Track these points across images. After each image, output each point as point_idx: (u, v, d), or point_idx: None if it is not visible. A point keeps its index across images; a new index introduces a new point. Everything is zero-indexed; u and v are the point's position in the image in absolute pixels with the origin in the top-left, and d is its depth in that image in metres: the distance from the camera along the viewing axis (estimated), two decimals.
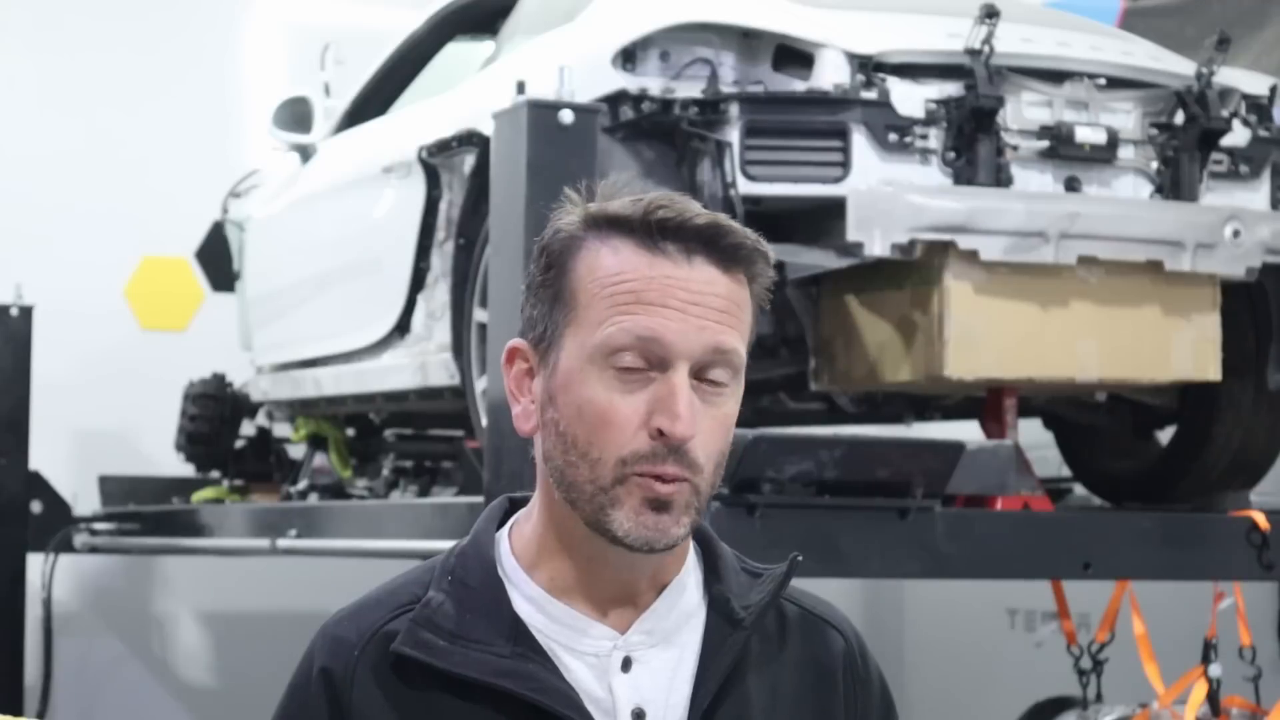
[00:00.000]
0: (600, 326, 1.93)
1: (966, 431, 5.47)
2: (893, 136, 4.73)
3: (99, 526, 7.45)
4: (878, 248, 4.67)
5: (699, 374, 1.94)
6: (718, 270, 1.95)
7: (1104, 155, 4.89)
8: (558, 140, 4.46)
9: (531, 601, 2.00)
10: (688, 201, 1.96)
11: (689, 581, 2.04)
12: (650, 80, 4.82)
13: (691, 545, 2.07)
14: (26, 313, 7.23)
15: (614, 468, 1.93)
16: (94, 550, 7.54)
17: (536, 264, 2.00)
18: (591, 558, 1.98)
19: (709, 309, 1.93)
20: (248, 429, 7.38)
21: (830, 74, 4.76)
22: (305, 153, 6.74)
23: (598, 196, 1.99)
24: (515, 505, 2.09)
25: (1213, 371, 5.05)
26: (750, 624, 2.03)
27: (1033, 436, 5.67)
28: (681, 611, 2.02)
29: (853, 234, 4.67)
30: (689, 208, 1.95)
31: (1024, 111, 4.87)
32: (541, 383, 1.99)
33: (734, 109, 4.71)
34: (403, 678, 1.98)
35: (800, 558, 2.07)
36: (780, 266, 4.74)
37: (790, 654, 2.07)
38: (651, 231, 1.94)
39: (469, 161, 5.38)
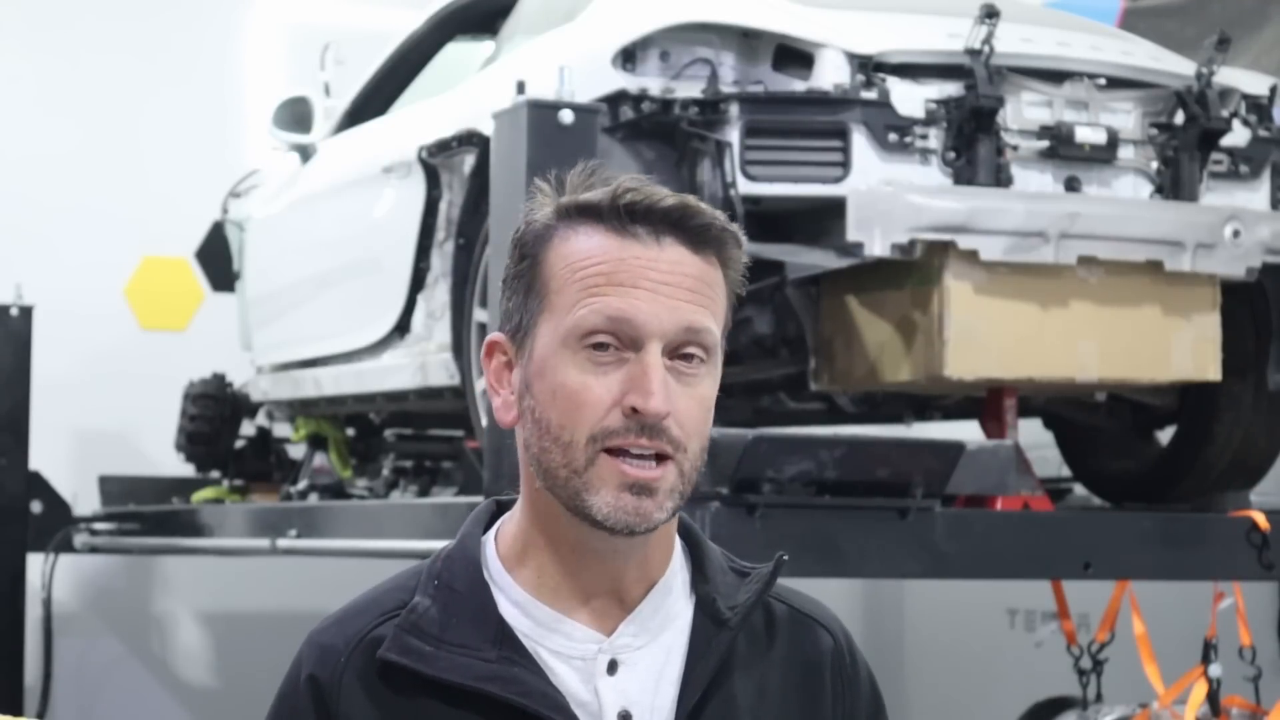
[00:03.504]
0: (572, 310, 1.95)
1: (966, 431, 5.46)
2: (893, 136, 4.73)
3: (99, 526, 7.45)
4: (878, 248, 4.67)
5: (673, 353, 1.95)
6: (687, 250, 1.97)
7: (1104, 155, 4.89)
8: (558, 140, 4.46)
9: (517, 605, 2.00)
10: (655, 186, 1.99)
11: (675, 583, 2.04)
12: (650, 80, 4.81)
13: (679, 545, 2.07)
14: (26, 313, 7.23)
15: (585, 447, 1.93)
16: (94, 550, 7.54)
17: (511, 257, 2.02)
18: (576, 547, 1.99)
19: (680, 289, 1.95)
20: (248, 429, 7.38)
21: (830, 74, 4.76)
22: (305, 153, 6.73)
23: (567, 187, 2.01)
24: (502, 508, 2.09)
25: (1213, 371, 5.05)
26: (736, 624, 2.03)
27: (1033, 436, 5.66)
28: (668, 613, 2.02)
29: (853, 234, 4.67)
30: (656, 191, 1.97)
31: (1024, 111, 4.86)
32: (519, 373, 2.00)
33: (734, 109, 4.71)
34: (389, 684, 1.98)
35: (786, 557, 2.07)
36: (780, 266, 4.75)
37: (778, 653, 2.07)
38: (620, 215, 1.96)
39: (469, 161, 5.38)
